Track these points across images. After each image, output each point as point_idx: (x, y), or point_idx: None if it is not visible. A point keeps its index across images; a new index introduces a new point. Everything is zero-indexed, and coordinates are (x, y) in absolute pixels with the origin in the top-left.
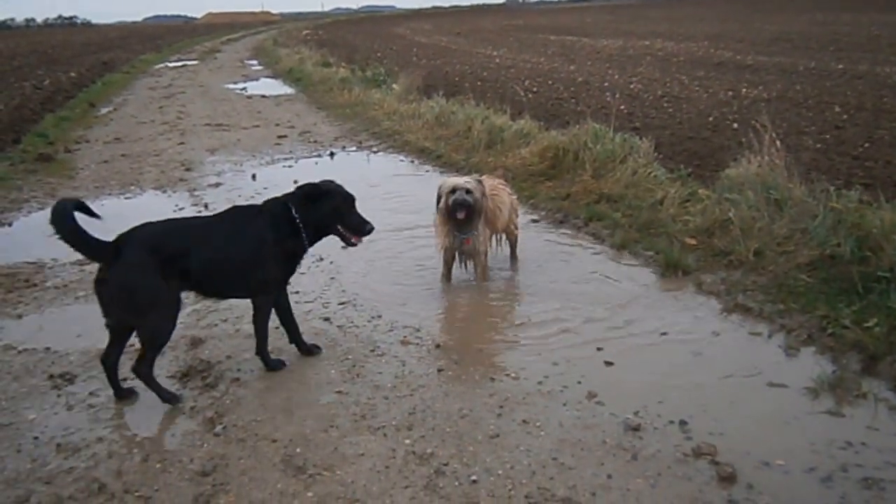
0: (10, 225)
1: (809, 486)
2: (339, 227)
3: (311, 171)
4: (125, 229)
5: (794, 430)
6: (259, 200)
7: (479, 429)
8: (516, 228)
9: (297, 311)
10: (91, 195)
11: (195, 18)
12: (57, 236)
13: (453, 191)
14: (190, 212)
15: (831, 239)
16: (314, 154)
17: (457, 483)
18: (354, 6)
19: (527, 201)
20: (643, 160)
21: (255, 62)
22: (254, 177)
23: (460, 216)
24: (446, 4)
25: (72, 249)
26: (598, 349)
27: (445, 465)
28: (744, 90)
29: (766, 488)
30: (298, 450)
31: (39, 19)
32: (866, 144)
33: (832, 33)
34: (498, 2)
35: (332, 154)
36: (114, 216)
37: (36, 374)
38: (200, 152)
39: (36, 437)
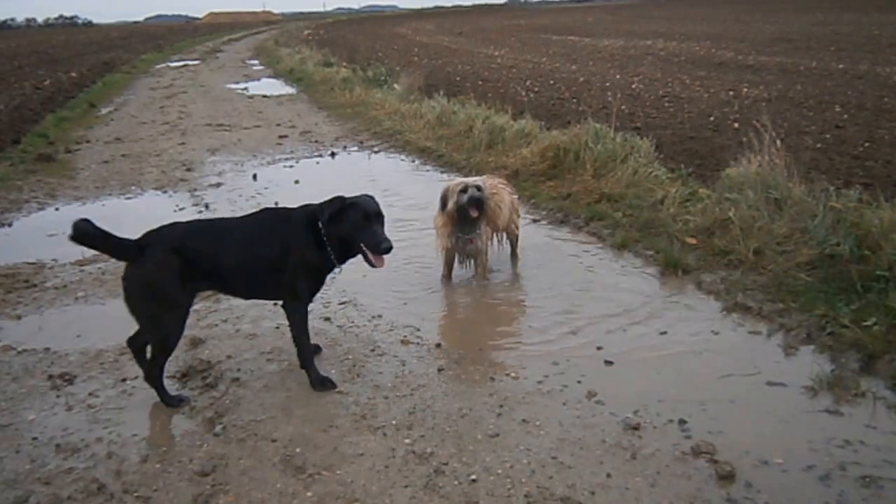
0: (9, 225)
1: (808, 484)
2: (361, 244)
3: (313, 170)
4: (120, 229)
5: (793, 429)
6: (259, 200)
7: (479, 428)
8: (517, 228)
9: None
10: (91, 195)
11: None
12: (80, 243)
13: (464, 189)
14: (190, 212)
15: (831, 238)
16: (315, 154)
17: (456, 482)
18: (356, 6)
19: (528, 201)
20: (644, 160)
21: (256, 62)
22: (255, 177)
23: (474, 214)
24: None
25: (95, 251)
26: (598, 348)
27: (445, 464)
28: (745, 90)
29: (765, 487)
30: (298, 449)
31: (40, 19)
32: (866, 144)
33: (833, 33)
34: (500, 2)
35: (333, 154)
36: (114, 217)
37: (35, 375)
38: (201, 152)
39: (35, 438)
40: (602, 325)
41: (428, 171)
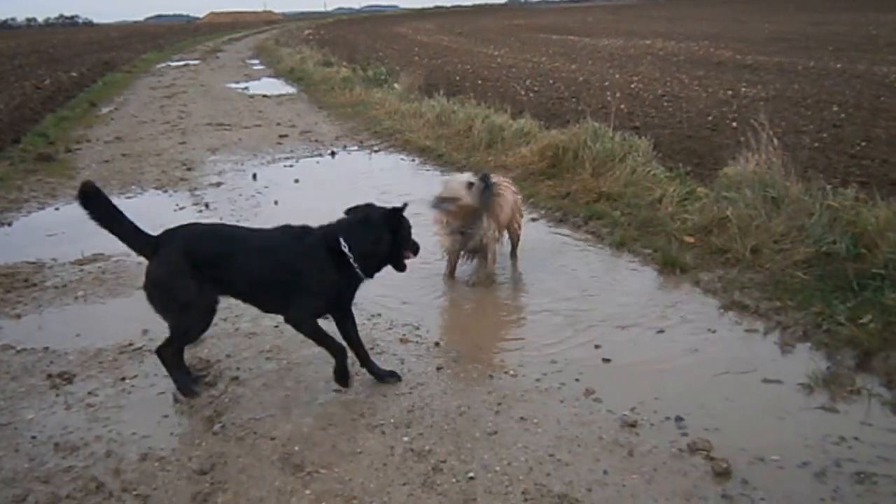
0: (9, 225)
1: (803, 480)
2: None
3: (313, 170)
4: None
5: (789, 426)
6: (259, 199)
7: (477, 426)
8: (519, 228)
9: None
10: None
11: (197, 18)
12: (101, 224)
13: (484, 177)
14: (191, 211)
15: (827, 236)
16: (315, 153)
17: (454, 480)
18: (357, 6)
19: (527, 200)
20: (642, 159)
21: (256, 61)
22: (255, 176)
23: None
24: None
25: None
26: (596, 347)
27: (443, 462)
28: (743, 89)
29: (761, 483)
30: (297, 448)
31: (41, 19)
32: (863, 143)
33: (831, 33)
34: (500, 1)
35: (333, 153)
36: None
37: (34, 374)
38: (201, 152)
39: (34, 437)
40: (600, 323)
41: (428, 170)
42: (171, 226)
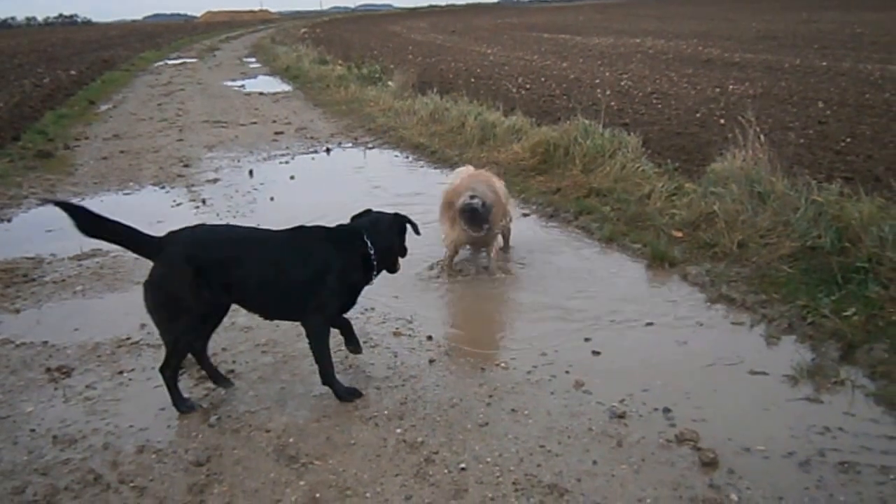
0: (9, 221)
1: (788, 470)
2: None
3: (308, 166)
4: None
5: (774, 417)
6: (255, 196)
7: (469, 418)
8: (509, 221)
9: None
10: (90, 191)
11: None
12: (94, 237)
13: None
14: (187, 207)
15: (812, 231)
16: (311, 150)
17: (446, 470)
18: (352, 5)
19: (518, 195)
20: (631, 155)
21: (253, 60)
22: (251, 173)
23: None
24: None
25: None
26: (586, 339)
27: (435, 453)
28: (730, 87)
29: (747, 473)
30: (291, 440)
31: (40, 18)
32: (848, 139)
33: (817, 31)
34: (493, 0)
35: (328, 150)
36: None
37: (33, 368)
38: (198, 149)
39: (33, 430)
40: (590, 316)
41: (421, 166)
42: (177, 225)
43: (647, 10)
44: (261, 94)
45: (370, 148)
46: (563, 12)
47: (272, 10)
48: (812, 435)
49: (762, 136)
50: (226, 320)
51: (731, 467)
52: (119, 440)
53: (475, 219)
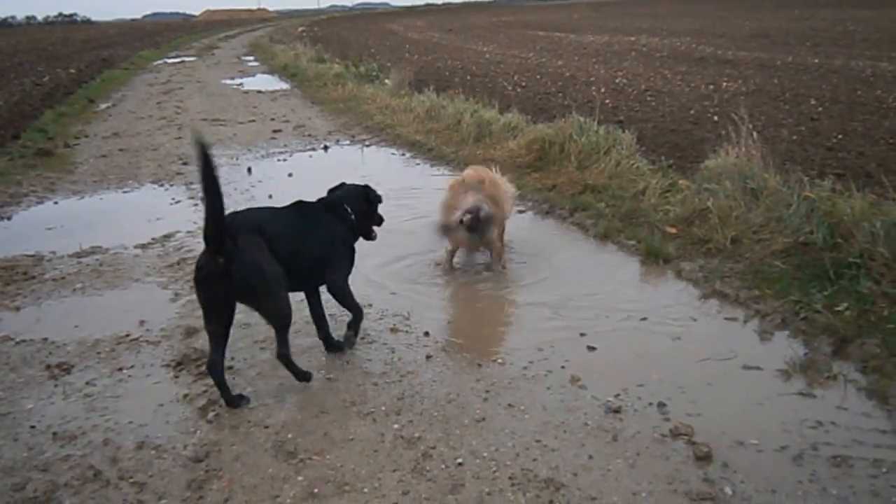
0: (9, 219)
1: (781, 464)
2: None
3: (306, 164)
4: (118, 222)
5: (768, 411)
6: (253, 193)
7: (466, 413)
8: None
9: None
10: (90, 189)
11: (193, 16)
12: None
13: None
14: (187, 205)
15: (804, 227)
16: (308, 148)
17: (443, 465)
18: (349, 3)
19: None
20: (626, 152)
21: (251, 58)
22: (249, 170)
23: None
24: (439, 1)
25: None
26: (582, 335)
27: (432, 448)
28: (724, 84)
29: (741, 467)
30: (290, 435)
31: (40, 17)
32: (840, 136)
33: (809, 29)
34: None
35: (325, 147)
36: (112, 210)
37: (33, 365)
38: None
39: (33, 426)
40: (585, 312)
41: (418, 164)
42: (176, 223)
43: (641, 8)
44: (259, 92)
45: (367, 145)
46: (559, 10)
47: (270, 8)
48: (805, 429)
49: (755, 133)
50: None
51: (725, 461)
52: (118, 436)
53: (476, 229)
